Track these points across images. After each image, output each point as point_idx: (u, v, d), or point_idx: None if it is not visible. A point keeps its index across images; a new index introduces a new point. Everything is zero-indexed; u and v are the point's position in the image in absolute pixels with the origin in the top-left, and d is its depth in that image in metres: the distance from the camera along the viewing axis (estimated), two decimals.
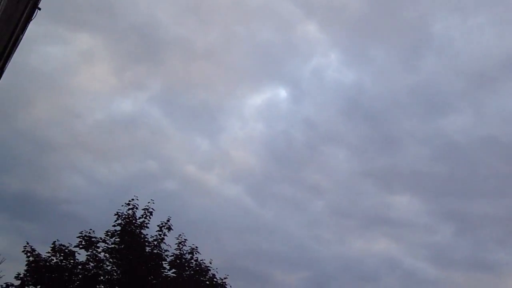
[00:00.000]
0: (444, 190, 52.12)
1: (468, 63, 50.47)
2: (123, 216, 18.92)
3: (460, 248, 48.20)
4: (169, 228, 19.33)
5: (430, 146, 52.68)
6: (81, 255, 18.37)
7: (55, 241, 18.23)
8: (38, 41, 37.90)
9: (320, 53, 56.69)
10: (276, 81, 59.81)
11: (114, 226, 18.76)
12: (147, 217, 19.17)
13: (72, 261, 18.16)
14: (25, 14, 9.08)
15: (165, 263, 19.02)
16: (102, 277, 18.35)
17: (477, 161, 51.09)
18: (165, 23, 49.71)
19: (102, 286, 18.35)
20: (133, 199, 19.25)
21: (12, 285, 17.56)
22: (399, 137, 53.83)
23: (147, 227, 19.15)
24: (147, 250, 18.72)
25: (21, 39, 11.12)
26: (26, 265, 17.71)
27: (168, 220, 19.41)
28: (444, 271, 48.04)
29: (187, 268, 19.10)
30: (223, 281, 19.35)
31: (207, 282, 19.05)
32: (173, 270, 19.04)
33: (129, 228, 18.79)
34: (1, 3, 6.00)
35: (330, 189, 52.99)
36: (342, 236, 49.52)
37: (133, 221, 18.97)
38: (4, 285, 17.54)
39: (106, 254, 18.51)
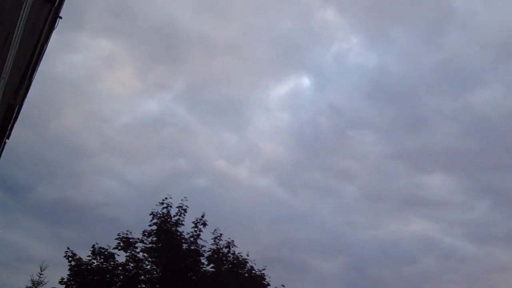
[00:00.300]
0: (477, 166, 51.00)
1: (493, 35, 48.89)
2: (158, 215, 19.13)
3: (498, 223, 47.23)
4: (204, 224, 19.43)
5: (459, 123, 51.56)
6: (121, 257, 18.70)
7: (94, 245, 18.53)
8: (61, 50, 38.57)
9: (341, 38, 55.87)
10: (299, 70, 59.50)
11: (150, 225, 19.01)
12: (182, 215, 19.36)
13: (112, 262, 18.44)
14: (47, 23, 9.18)
15: (203, 259, 19.16)
16: (142, 277, 18.62)
17: (509, 134, 49.72)
18: (183, 21, 49.89)
19: (144, 285, 18.63)
20: (166, 198, 19.48)
21: None
22: (427, 116, 52.88)
23: (183, 225, 19.33)
24: (184, 247, 18.88)
25: (46, 48, 11.28)
26: (69, 269, 18.04)
27: (202, 216, 19.53)
28: (483, 247, 47.29)
29: (225, 262, 19.17)
30: (262, 272, 19.34)
31: (246, 275, 19.08)
32: (211, 265, 19.13)
33: (165, 227, 18.99)
34: (24, 12, 6.06)
35: (361, 173, 52.60)
36: (376, 219, 49.16)
37: (168, 219, 19.16)
38: None
39: (145, 254, 18.77)
